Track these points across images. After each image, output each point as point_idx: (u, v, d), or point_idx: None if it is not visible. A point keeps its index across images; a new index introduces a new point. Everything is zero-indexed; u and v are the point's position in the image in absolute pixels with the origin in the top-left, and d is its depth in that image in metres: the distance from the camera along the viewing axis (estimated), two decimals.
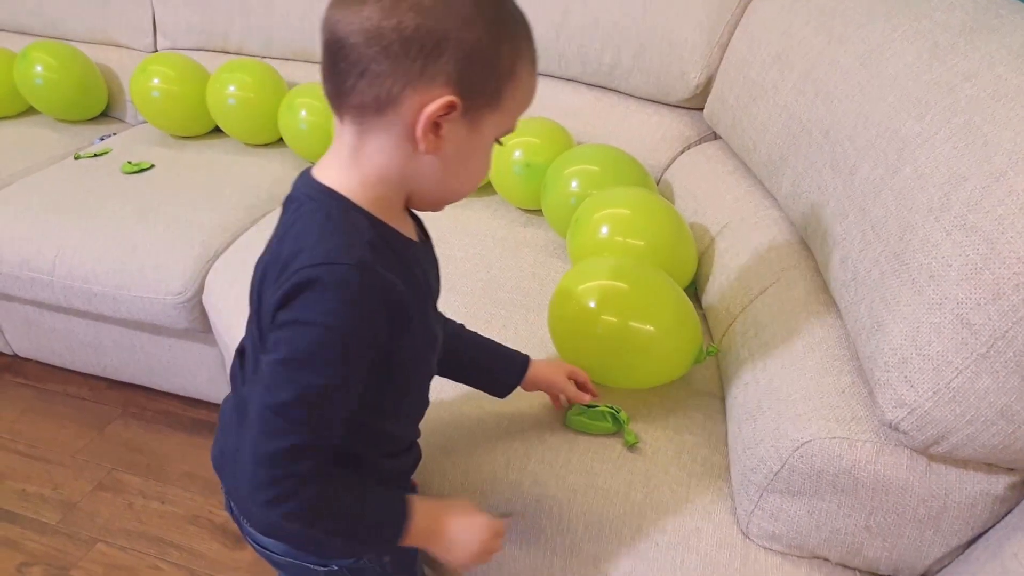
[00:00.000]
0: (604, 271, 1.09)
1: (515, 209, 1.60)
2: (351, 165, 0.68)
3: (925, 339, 0.74)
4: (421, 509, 0.77)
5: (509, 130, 0.71)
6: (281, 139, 1.94)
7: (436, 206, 0.75)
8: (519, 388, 1.02)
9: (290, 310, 0.64)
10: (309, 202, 0.69)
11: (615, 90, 1.67)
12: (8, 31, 2.34)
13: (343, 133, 0.68)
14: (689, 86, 1.52)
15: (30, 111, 2.22)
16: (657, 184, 1.57)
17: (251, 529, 0.85)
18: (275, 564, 0.88)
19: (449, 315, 0.97)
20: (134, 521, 1.58)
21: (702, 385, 1.15)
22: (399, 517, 0.76)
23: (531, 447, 1.02)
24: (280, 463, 0.67)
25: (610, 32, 1.57)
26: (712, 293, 1.25)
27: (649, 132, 1.60)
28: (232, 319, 1.42)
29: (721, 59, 1.47)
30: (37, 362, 1.96)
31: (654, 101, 1.63)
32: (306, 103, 1.79)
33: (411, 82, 0.62)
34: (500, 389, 1.01)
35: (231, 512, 0.88)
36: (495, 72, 0.65)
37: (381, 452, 0.82)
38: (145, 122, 2.14)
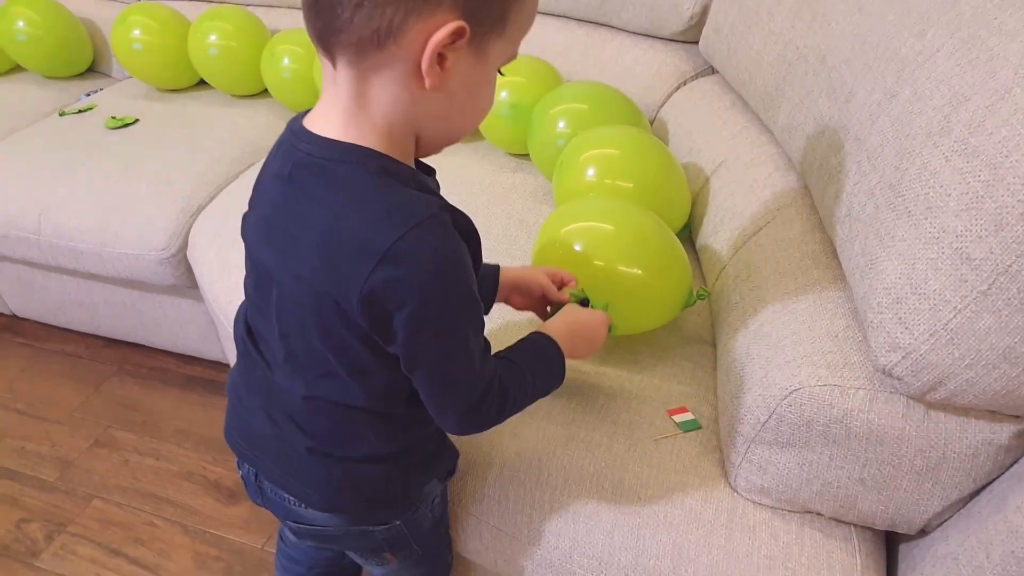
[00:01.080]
0: (588, 212, 1.04)
1: (504, 154, 1.53)
2: (357, 114, 0.62)
3: (921, 276, 0.68)
4: (555, 332, 0.82)
5: (512, 57, 0.66)
6: (267, 89, 1.88)
7: (440, 147, 0.70)
8: (507, 309, 0.96)
9: (403, 296, 0.60)
10: (340, 166, 0.62)
11: (607, 25, 1.58)
12: None
13: (339, 79, 0.61)
14: (683, 17, 1.43)
15: (17, 69, 2.17)
16: (652, 123, 1.50)
17: (302, 511, 0.80)
18: (329, 540, 0.84)
19: None
20: (129, 478, 1.57)
21: (693, 331, 1.09)
22: (557, 355, 0.80)
23: None
24: (481, 408, 0.71)
25: None
26: (706, 235, 1.18)
27: (643, 69, 1.52)
28: (215, 273, 1.38)
29: None
30: (35, 321, 1.95)
31: (648, 36, 1.54)
32: (289, 50, 1.72)
33: (414, 8, 0.56)
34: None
35: (261, 498, 0.84)
36: None
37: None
38: (131, 77, 2.08)
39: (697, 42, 1.47)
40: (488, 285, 0.92)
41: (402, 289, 0.60)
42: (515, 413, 0.77)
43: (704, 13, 1.41)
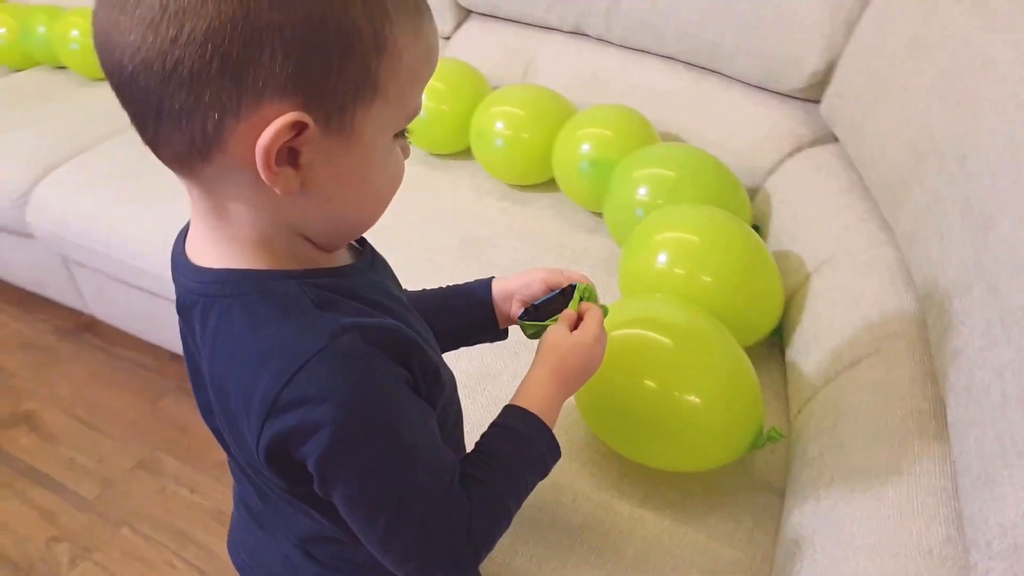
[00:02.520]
0: (645, 318, 0.86)
1: (583, 211, 1.36)
2: (223, 230, 0.50)
3: None
4: (536, 397, 0.64)
5: (412, 115, 0.50)
6: None
7: (344, 242, 0.57)
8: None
9: (306, 448, 0.48)
10: (215, 303, 0.51)
11: (719, 72, 1.38)
12: None
13: (190, 191, 0.49)
14: (803, 74, 1.22)
15: None
16: (755, 194, 1.29)
17: None
18: None
19: None
20: (162, 508, 1.51)
21: (762, 475, 0.90)
22: (543, 437, 0.63)
23: (525, 533, 0.82)
24: (447, 561, 0.56)
25: (712, 4, 1.28)
26: (796, 349, 0.98)
27: (754, 127, 1.31)
28: None
29: (847, 41, 1.16)
30: (110, 325, 1.95)
31: (764, 88, 1.33)
32: None
33: (227, 109, 0.42)
34: (480, 332, 0.78)
35: None
36: (354, 50, 0.44)
37: None
38: None
39: (820, 101, 1.25)
40: (480, 313, 0.76)
41: (299, 439, 0.48)
42: (503, 531, 0.61)
43: (829, 71, 1.19)
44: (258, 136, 0.43)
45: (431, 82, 1.36)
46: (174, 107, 0.42)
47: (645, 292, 0.98)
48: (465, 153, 1.51)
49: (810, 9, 1.19)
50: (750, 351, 1.01)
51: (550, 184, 1.39)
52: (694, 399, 0.81)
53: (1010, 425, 0.54)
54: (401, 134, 0.51)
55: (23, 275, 2.00)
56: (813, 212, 1.10)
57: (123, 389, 1.82)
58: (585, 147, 1.26)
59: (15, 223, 1.76)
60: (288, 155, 0.44)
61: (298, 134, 0.43)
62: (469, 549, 0.57)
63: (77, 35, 1.99)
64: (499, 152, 1.38)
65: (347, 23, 0.42)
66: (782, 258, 1.09)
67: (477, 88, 1.50)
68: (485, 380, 0.99)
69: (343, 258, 0.57)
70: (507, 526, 0.61)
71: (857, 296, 0.91)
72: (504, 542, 0.82)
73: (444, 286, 0.78)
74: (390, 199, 0.53)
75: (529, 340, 0.73)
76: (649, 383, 0.81)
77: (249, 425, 0.49)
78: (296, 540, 0.64)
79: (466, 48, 1.75)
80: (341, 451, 0.48)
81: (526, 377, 0.66)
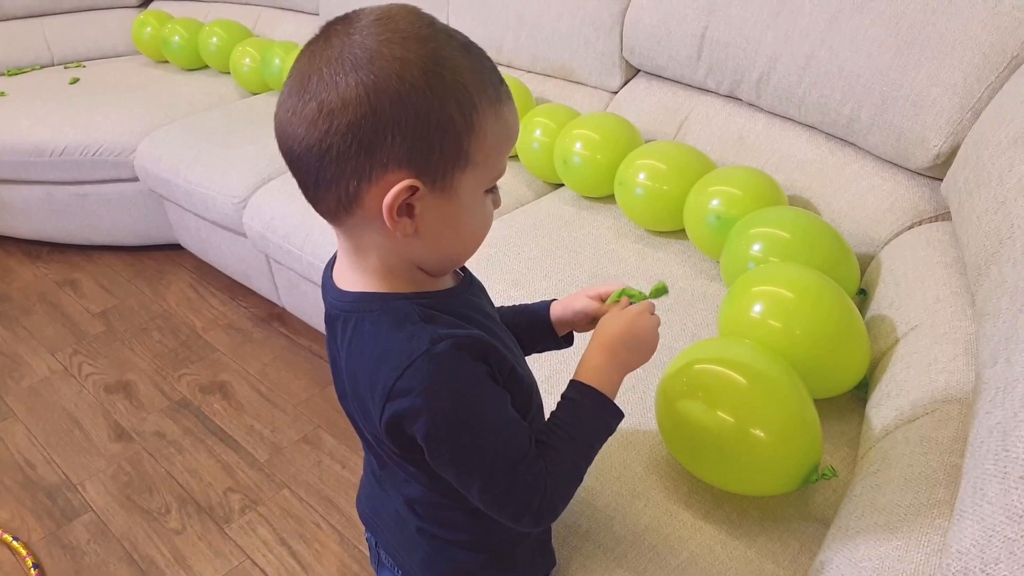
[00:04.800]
0: (726, 359, 0.99)
1: (708, 260, 1.49)
2: (360, 262, 0.69)
3: (993, 556, 0.57)
4: (587, 368, 0.80)
5: (496, 176, 0.68)
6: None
7: (448, 270, 0.75)
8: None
9: (416, 426, 0.66)
10: (352, 317, 0.70)
11: (854, 145, 1.47)
12: None
13: (338, 235, 0.70)
14: (928, 154, 1.29)
15: None
16: (870, 260, 1.36)
17: None
18: None
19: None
20: (317, 478, 1.77)
21: (818, 508, 0.99)
22: (601, 404, 0.79)
23: (599, 525, 0.97)
24: (530, 511, 0.72)
25: (852, 83, 1.38)
26: (873, 402, 1.06)
27: (879, 198, 1.39)
28: None
29: (971, 127, 1.22)
30: (296, 318, 2.27)
31: (894, 164, 1.41)
32: (541, 123, 1.82)
33: (362, 178, 0.61)
34: (543, 341, 0.95)
35: (377, 565, 0.94)
36: (449, 134, 0.61)
37: None
38: None
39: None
40: (541, 327, 0.93)
41: (411, 419, 0.66)
42: (576, 487, 0.77)
43: (953, 153, 1.26)
44: (384, 196, 0.61)
45: (588, 132, 1.63)
46: (326, 176, 0.61)
47: (737, 336, 1.10)
48: (611, 198, 1.68)
49: (941, 95, 1.26)
50: (837, 401, 1.11)
51: (683, 232, 1.53)
52: (758, 433, 0.93)
53: (981, 474, 0.63)
54: (490, 190, 0.69)
55: (234, 267, 2.38)
56: (913, 282, 1.17)
57: (300, 373, 2.12)
58: (714, 202, 1.40)
59: (233, 223, 2.13)
60: (406, 209, 0.63)
61: (412, 194, 0.62)
62: (547, 501, 0.73)
63: None
64: (638, 200, 1.54)
65: (445, 116, 0.60)
66: (879, 321, 1.17)
67: (628, 141, 1.67)
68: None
69: (447, 283, 0.76)
70: (579, 481, 0.77)
71: (930, 362, 0.99)
72: (580, 529, 0.98)
73: (515, 305, 0.96)
74: (483, 238, 0.72)
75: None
76: (721, 415, 0.94)
77: (374, 405, 0.67)
78: (404, 499, 0.82)
79: (630, 102, 1.92)
80: (440, 428, 0.66)
81: (580, 363, 0.82)
